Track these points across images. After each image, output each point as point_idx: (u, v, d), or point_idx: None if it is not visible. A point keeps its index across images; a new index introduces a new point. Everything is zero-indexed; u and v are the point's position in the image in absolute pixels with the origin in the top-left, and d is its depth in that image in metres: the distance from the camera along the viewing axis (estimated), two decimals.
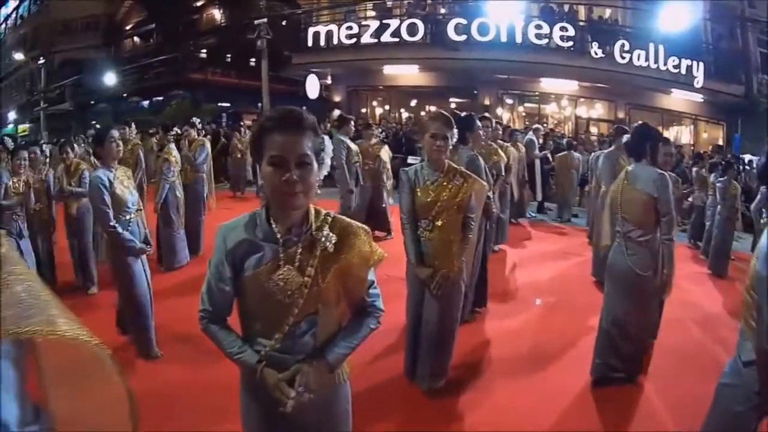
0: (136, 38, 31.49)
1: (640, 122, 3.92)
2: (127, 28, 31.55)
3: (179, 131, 6.86)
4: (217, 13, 28.09)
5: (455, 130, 2.99)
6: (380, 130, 7.34)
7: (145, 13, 29.86)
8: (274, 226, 1.46)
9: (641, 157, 3.33)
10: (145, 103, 26.96)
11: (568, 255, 7.13)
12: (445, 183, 2.96)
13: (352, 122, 7.08)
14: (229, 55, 26.39)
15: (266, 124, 1.39)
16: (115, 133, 3.57)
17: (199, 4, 28.54)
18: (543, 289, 5.62)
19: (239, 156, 11.20)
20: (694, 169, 9.12)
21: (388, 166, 7.33)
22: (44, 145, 11.68)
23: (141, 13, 30.35)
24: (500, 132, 7.40)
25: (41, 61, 29.45)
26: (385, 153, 7.29)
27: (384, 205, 7.30)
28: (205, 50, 26.39)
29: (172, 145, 6.02)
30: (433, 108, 18.28)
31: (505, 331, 4.42)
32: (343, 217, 1.54)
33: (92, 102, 28.29)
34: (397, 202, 3.36)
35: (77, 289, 5.16)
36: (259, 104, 18.00)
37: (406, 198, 3.05)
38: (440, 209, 2.95)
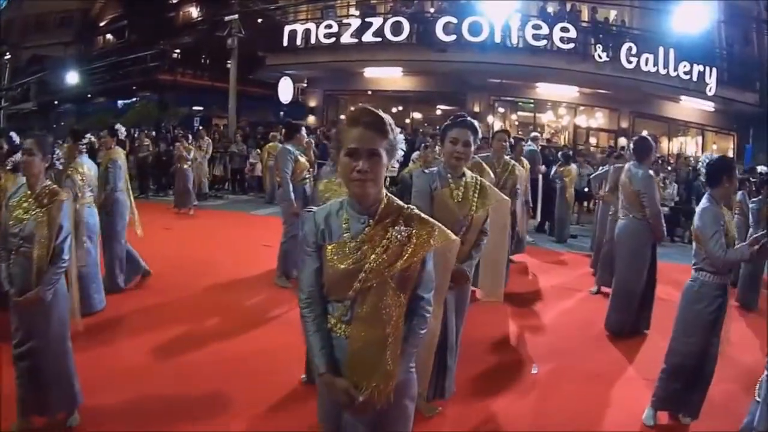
0: (109, 36, 29.95)
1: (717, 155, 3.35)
2: (101, 24, 30.06)
3: (93, 139, 5.37)
4: (194, 11, 26.44)
5: (398, 137, 1.72)
6: None
7: (120, 9, 28.37)
8: None
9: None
10: (120, 103, 25.25)
11: (571, 292, 5.89)
12: (377, 236, 1.68)
13: (304, 130, 5.84)
14: (203, 56, 24.77)
15: None
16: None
17: (174, 0, 26.89)
18: (540, 347, 4.28)
19: (184, 166, 9.72)
20: None
21: None
22: None
23: (117, 9, 28.86)
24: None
25: (7, 56, 27.96)
26: None
27: None
28: (178, 50, 24.71)
29: (83, 158, 4.71)
30: (418, 115, 17.02)
31: (490, 421, 3.13)
32: None
33: (56, 102, 26.68)
34: None
35: None
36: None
37: (309, 264, 1.76)
38: (366, 284, 1.66)
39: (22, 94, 27.02)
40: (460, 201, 2.81)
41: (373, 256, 1.65)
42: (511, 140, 6.14)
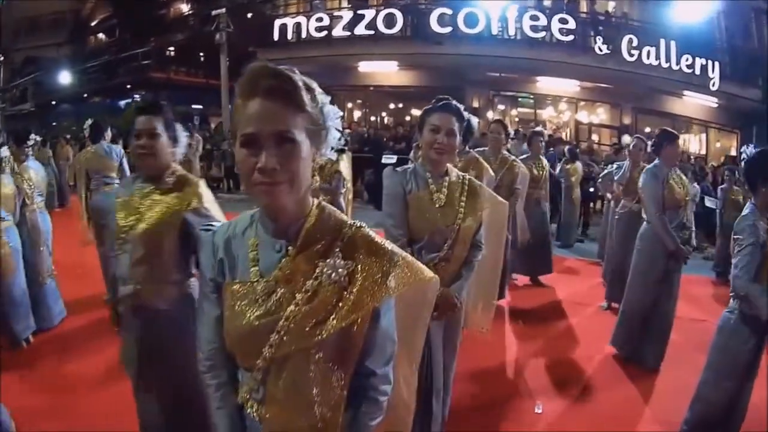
0: (101, 35, 29.78)
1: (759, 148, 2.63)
2: (93, 24, 29.90)
3: (38, 139, 4.96)
4: (184, 7, 26.12)
5: (328, 110, 1.11)
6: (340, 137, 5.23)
7: (110, 8, 28.19)
8: None
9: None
10: (122, 103, 24.97)
11: (579, 307, 5.22)
12: (299, 274, 1.10)
13: None
14: (198, 53, 24.45)
15: None
16: None
17: None
18: (544, 379, 3.65)
19: None
20: (722, 186, 7.54)
21: (349, 179, 5.40)
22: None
23: (107, 9, 28.69)
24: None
25: (0, 59, 27.90)
26: (345, 165, 5.33)
27: None
28: (171, 48, 24.40)
29: (30, 162, 4.39)
30: (417, 112, 16.58)
31: None
32: None
33: (53, 102, 26.52)
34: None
35: None
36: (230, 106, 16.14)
37: (208, 310, 1.22)
38: (281, 351, 1.08)
39: (20, 95, 26.99)
40: (442, 206, 2.26)
41: (291, 307, 1.06)
42: (510, 132, 5.51)
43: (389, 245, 1.12)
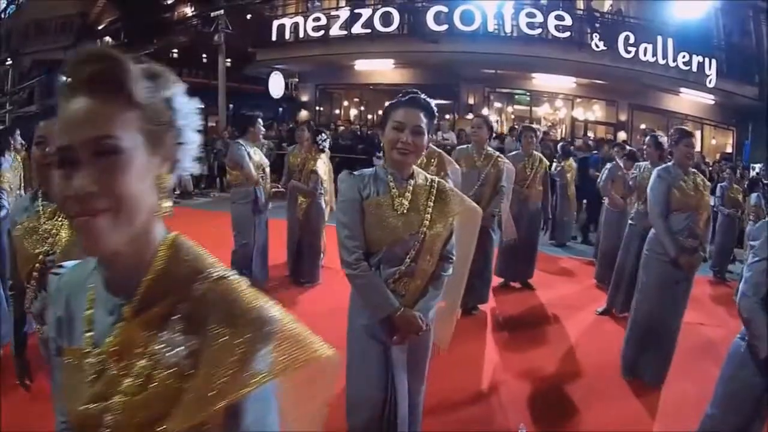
0: (107, 38, 30.15)
1: None
2: (99, 27, 30.30)
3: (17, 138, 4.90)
4: (188, 11, 26.42)
5: (180, 103, 0.79)
6: (324, 135, 5.43)
7: (117, 12, 28.60)
8: None
9: None
10: None
11: (572, 311, 4.83)
12: (133, 347, 0.76)
13: (260, 121, 4.89)
14: (200, 55, 24.74)
15: None
16: None
17: (170, 1, 26.96)
18: (530, 395, 3.22)
19: None
20: (722, 184, 7.49)
21: (327, 179, 5.44)
22: None
23: (114, 12, 29.11)
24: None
25: (9, 62, 28.31)
26: (321, 164, 5.37)
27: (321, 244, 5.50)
28: (175, 50, 24.70)
29: (4, 162, 4.39)
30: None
31: None
32: None
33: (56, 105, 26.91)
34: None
35: None
36: (230, 105, 16.49)
37: (55, 379, 0.93)
38: None
39: (27, 97, 27.41)
40: (405, 213, 1.98)
41: (117, 396, 0.74)
42: (494, 126, 5.43)
43: (263, 306, 0.75)
